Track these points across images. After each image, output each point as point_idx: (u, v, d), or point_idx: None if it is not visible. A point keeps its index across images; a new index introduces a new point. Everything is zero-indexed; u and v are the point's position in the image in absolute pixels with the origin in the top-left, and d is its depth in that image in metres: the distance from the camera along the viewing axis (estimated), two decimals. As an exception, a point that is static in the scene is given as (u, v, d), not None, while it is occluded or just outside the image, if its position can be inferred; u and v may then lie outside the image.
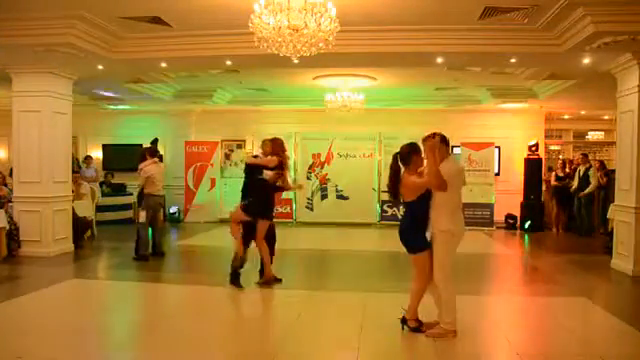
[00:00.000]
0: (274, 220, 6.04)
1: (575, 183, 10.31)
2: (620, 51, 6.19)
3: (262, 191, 5.68)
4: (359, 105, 9.42)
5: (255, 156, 6.09)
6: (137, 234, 7.31)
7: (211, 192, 11.81)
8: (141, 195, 7.37)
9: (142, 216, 7.23)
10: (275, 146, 5.76)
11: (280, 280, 5.81)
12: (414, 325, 4.20)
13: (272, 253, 5.86)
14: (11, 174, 8.72)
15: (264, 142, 5.89)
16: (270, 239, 5.84)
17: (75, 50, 6.27)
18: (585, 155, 10.54)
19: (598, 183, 9.95)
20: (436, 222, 4.05)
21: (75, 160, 10.85)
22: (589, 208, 10.06)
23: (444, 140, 4.10)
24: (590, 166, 10.13)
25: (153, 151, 7.70)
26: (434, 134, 4.11)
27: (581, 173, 10.14)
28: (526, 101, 10.31)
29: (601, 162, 10.76)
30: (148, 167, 7.25)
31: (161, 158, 11.12)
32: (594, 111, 12.20)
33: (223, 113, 12.13)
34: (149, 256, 7.25)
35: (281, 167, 5.72)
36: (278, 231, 6.14)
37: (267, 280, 5.70)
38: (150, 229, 7.42)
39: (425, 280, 4.14)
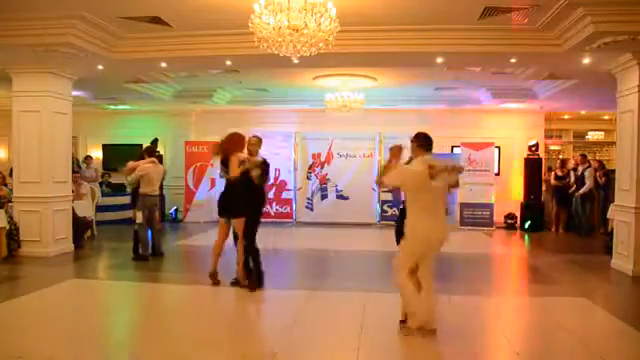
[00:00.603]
0: (260, 222, 5.81)
1: (572, 183, 10.40)
2: (620, 51, 6.19)
3: (224, 189, 5.72)
4: (359, 105, 9.42)
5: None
6: (134, 235, 7.31)
7: (211, 192, 11.80)
8: (135, 195, 7.34)
9: (139, 217, 7.21)
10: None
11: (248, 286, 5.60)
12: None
13: (247, 252, 5.64)
14: (11, 174, 8.72)
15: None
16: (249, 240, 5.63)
17: (75, 50, 6.27)
18: (584, 155, 10.57)
19: (595, 183, 9.98)
20: (406, 220, 4.14)
21: (75, 160, 10.85)
22: (586, 208, 10.09)
23: (419, 138, 4.24)
24: (588, 166, 10.15)
25: (151, 151, 7.70)
26: (418, 135, 4.27)
27: (578, 173, 10.18)
28: (526, 101, 10.32)
29: (600, 162, 10.77)
30: (144, 166, 7.22)
31: (160, 159, 11.15)
32: (594, 111, 12.20)
33: (223, 113, 12.12)
34: (149, 256, 7.26)
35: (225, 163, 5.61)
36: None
37: (237, 279, 5.69)
38: (149, 229, 7.42)
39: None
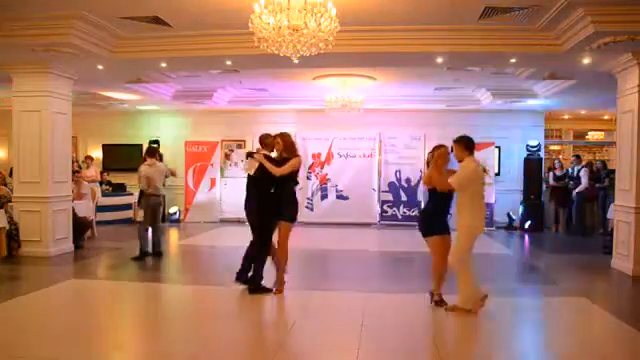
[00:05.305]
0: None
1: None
2: (620, 51, 6.19)
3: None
4: (359, 105, 9.42)
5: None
6: (139, 234, 7.38)
7: (211, 192, 11.82)
8: (140, 195, 7.53)
9: (140, 215, 7.34)
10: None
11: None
12: (437, 299, 4.82)
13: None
14: (11, 174, 8.72)
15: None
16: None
17: (75, 50, 6.27)
18: (577, 156, 10.75)
19: (589, 183, 10.02)
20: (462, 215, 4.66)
21: (75, 160, 10.85)
22: (585, 208, 10.11)
23: (466, 141, 4.75)
24: (583, 166, 10.24)
25: (148, 152, 7.73)
26: (464, 137, 4.76)
27: (574, 174, 10.25)
28: (526, 101, 10.33)
29: (603, 162, 10.84)
30: (141, 167, 7.40)
31: (160, 159, 11.13)
32: (594, 111, 12.21)
33: (223, 113, 12.13)
34: (147, 254, 7.26)
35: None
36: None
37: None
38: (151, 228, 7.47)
39: (438, 261, 4.74)
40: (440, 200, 4.81)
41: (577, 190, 10.10)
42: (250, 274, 5.46)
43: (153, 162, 7.48)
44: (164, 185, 7.87)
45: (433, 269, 4.86)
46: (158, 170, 7.53)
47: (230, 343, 4.13)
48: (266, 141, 5.65)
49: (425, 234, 4.84)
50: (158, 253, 7.45)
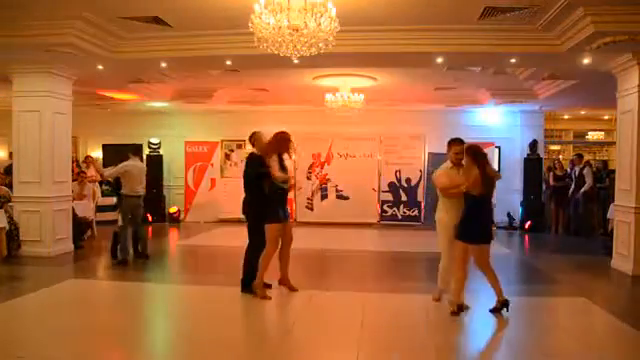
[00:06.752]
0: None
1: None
2: (620, 51, 6.19)
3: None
4: (359, 105, 9.42)
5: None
6: (113, 237, 7.17)
7: (211, 192, 11.82)
8: (120, 197, 7.29)
9: (120, 218, 7.17)
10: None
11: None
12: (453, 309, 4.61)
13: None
14: (6, 172, 8.70)
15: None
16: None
17: (75, 50, 6.27)
18: (580, 155, 10.68)
19: (593, 182, 9.99)
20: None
21: (74, 160, 10.84)
22: (587, 208, 10.08)
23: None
24: (584, 166, 10.20)
25: (133, 151, 7.46)
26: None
27: (576, 173, 10.21)
28: (526, 101, 10.33)
29: (604, 162, 10.85)
30: (125, 163, 7.12)
31: (161, 159, 11.15)
32: (594, 111, 12.22)
33: (223, 113, 12.13)
34: (129, 260, 6.96)
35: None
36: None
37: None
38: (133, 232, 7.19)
39: (459, 268, 4.64)
40: (486, 204, 4.76)
41: (583, 189, 9.97)
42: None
43: (136, 160, 7.29)
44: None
45: (455, 278, 4.66)
46: (141, 169, 7.30)
47: (230, 343, 4.12)
48: (253, 140, 5.56)
49: (473, 240, 4.64)
50: (144, 256, 7.21)
